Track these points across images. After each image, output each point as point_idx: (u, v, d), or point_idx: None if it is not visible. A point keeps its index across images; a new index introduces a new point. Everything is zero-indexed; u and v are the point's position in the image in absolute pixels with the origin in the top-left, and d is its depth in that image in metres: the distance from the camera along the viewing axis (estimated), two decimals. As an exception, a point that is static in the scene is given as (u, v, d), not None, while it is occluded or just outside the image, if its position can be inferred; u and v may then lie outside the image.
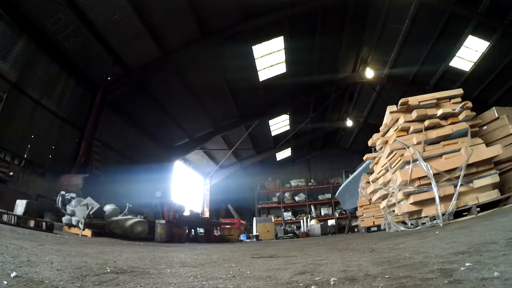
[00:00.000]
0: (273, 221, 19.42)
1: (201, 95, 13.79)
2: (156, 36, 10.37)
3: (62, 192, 7.49)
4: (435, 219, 5.81)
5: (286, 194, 26.18)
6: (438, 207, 5.75)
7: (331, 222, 23.07)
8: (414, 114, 6.61)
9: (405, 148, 6.62)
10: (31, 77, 8.71)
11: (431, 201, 5.98)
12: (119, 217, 8.07)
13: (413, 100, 6.74)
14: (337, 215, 24.26)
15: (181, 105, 14.02)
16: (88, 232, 6.72)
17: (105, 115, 11.30)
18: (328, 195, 25.47)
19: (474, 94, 14.47)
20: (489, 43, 12.68)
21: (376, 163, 8.47)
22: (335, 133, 25.08)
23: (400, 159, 6.52)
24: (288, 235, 17.95)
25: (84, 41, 9.34)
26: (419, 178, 6.24)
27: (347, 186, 13.98)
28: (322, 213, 25.00)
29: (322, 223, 22.08)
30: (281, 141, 21.15)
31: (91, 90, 10.66)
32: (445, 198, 5.89)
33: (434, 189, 5.89)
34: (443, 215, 5.70)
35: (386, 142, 7.50)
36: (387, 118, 7.36)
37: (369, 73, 16.55)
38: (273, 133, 20.36)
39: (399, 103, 6.77)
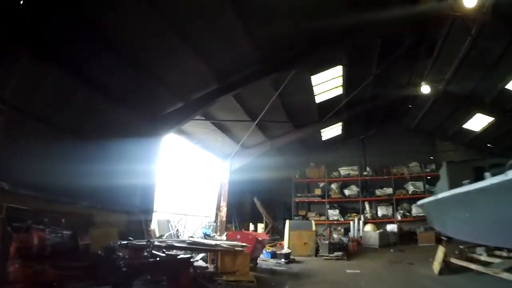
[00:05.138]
0: (313, 228, 13.25)
1: (190, 26, 7.81)
2: None
3: None
4: None
5: (333, 186, 20.00)
6: None
7: (391, 227, 16.90)
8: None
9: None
10: None
11: None
12: None
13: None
14: (399, 217, 17.75)
15: (162, 50, 8.31)
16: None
17: (26, 64, 6.51)
18: (389, 190, 19.01)
19: None
20: None
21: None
22: (400, 105, 17.88)
23: None
24: (336, 254, 11.71)
25: None
26: None
27: (458, 197, 6.85)
28: (379, 214, 18.72)
29: (381, 230, 16.28)
30: (329, 111, 14.58)
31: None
32: None
33: None
34: None
35: None
36: None
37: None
38: (317, 99, 13.85)
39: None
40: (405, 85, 15.74)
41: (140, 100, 9.69)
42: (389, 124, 20.25)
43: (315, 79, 12.24)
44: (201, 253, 7.56)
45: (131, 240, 8.49)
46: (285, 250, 11.37)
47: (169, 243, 6.91)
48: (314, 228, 13.64)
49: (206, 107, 10.47)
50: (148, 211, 9.96)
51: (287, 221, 13.81)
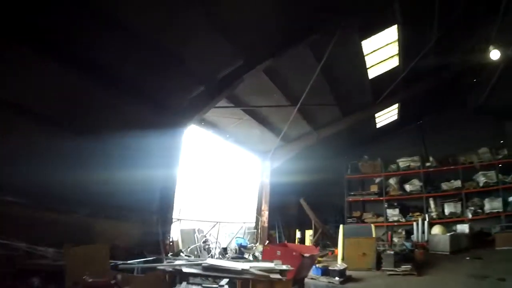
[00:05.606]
0: (373, 234, 10.71)
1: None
2: None
3: None
4: None
5: (391, 181, 17.07)
6: None
7: (461, 227, 14.07)
8: None
9: None
10: None
11: None
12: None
13: None
14: (470, 215, 14.59)
15: (174, 26, 6.41)
16: None
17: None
18: (456, 183, 15.65)
19: None
20: None
21: None
22: (463, 80, 14.47)
23: None
24: (404, 268, 9.09)
25: None
26: None
27: None
28: (446, 212, 15.51)
29: (452, 232, 13.37)
30: (384, 89, 11.85)
31: None
32: None
33: None
34: None
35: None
36: None
37: None
38: (370, 74, 11.23)
39: None
40: (469, 52, 12.31)
41: (151, 86, 7.88)
42: (451, 105, 16.49)
43: (367, 46, 9.67)
44: (224, 278, 5.47)
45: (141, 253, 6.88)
46: (339, 265, 8.96)
47: (177, 267, 4.93)
48: (374, 234, 11.05)
49: (233, 87, 8.38)
50: (166, 220, 8.15)
51: (341, 226, 11.35)
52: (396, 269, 9.33)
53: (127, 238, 7.27)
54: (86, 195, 6.51)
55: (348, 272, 8.85)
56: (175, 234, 8.91)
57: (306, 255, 6.44)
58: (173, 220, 8.83)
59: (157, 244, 7.73)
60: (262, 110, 11.03)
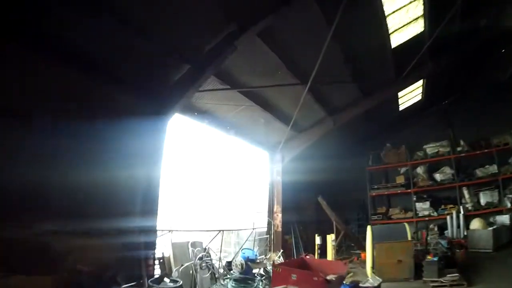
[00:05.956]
0: (409, 236, 8.87)
1: None
2: None
3: None
4: None
5: (419, 170, 15.08)
6: None
7: (500, 219, 12.16)
8: None
9: None
10: None
11: None
12: None
13: None
14: (509, 205, 12.75)
15: None
16: None
17: None
18: (492, 168, 13.59)
19: None
20: None
21: None
22: (490, 51, 12.13)
23: None
24: (451, 277, 7.17)
25: None
26: None
27: None
28: (482, 202, 13.51)
29: (495, 226, 11.53)
30: (408, 62, 9.86)
31: None
32: None
33: None
34: None
35: None
36: None
37: None
38: (393, 42, 9.30)
39: None
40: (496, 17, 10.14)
41: (126, 68, 6.26)
42: (479, 81, 14.43)
43: (388, 4, 7.76)
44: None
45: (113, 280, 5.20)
46: (371, 278, 7.08)
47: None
48: (409, 235, 9.12)
49: (223, 58, 6.58)
50: (150, 231, 6.47)
51: (369, 228, 9.44)
52: (441, 279, 7.43)
53: (98, 258, 5.62)
54: (44, 205, 5.03)
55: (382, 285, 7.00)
56: (166, 248, 7.22)
57: (332, 277, 4.60)
58: (163, 231, 7.17)
59: (138, 263, 6.07)
60: (266, 93, 9.22)
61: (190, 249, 6.84)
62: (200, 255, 6.83)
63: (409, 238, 9.02)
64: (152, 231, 6.50)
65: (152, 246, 6.43)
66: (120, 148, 6.21)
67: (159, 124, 6.98)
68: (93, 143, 5.76)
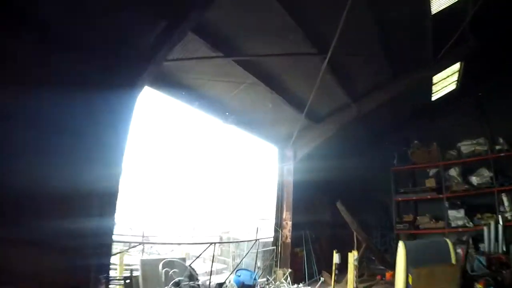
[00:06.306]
0: (452, 258, 6.75)
1: None
2: None
3: None
4: None
5: (452, 172, 12.72)
6: None
7: None
8: None
9: None
10: None
11: None
12: None
13: None
14: None
15: None
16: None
17: None
18: None
19: None
20: None
21: None
22: None
23: None
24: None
25: None
26: None
27: None
28: None
29: None
30: (447, 39, 7.70)
31: None
32: None
33: None
34: None
35: None
36: None
37: None
38: (433, 8, 7.19)
39: None
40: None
41: (82, 29, 4.36)
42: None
43: None
44: None
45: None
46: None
47: None
48: (453, 256, 6.92)
49: (206, 4, 4.67)
50: (106, 245, 4.57)
51: (401, 245, 7.23)
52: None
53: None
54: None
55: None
56: (136, 267, 5.32)
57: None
58: (133, 243, 5.26)
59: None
60: (274, 69, 7.25)
61: (163, 270, 4.90)
62: (177, 279, 4.88)
63: (453, 261, 6.86)
64: (108, 245, 4.58)
65: (106, 265, 4.52)
66: (71, 132, 4.35)
67: (123, 101, 5.07)
68: (39, 125, 3.94)
